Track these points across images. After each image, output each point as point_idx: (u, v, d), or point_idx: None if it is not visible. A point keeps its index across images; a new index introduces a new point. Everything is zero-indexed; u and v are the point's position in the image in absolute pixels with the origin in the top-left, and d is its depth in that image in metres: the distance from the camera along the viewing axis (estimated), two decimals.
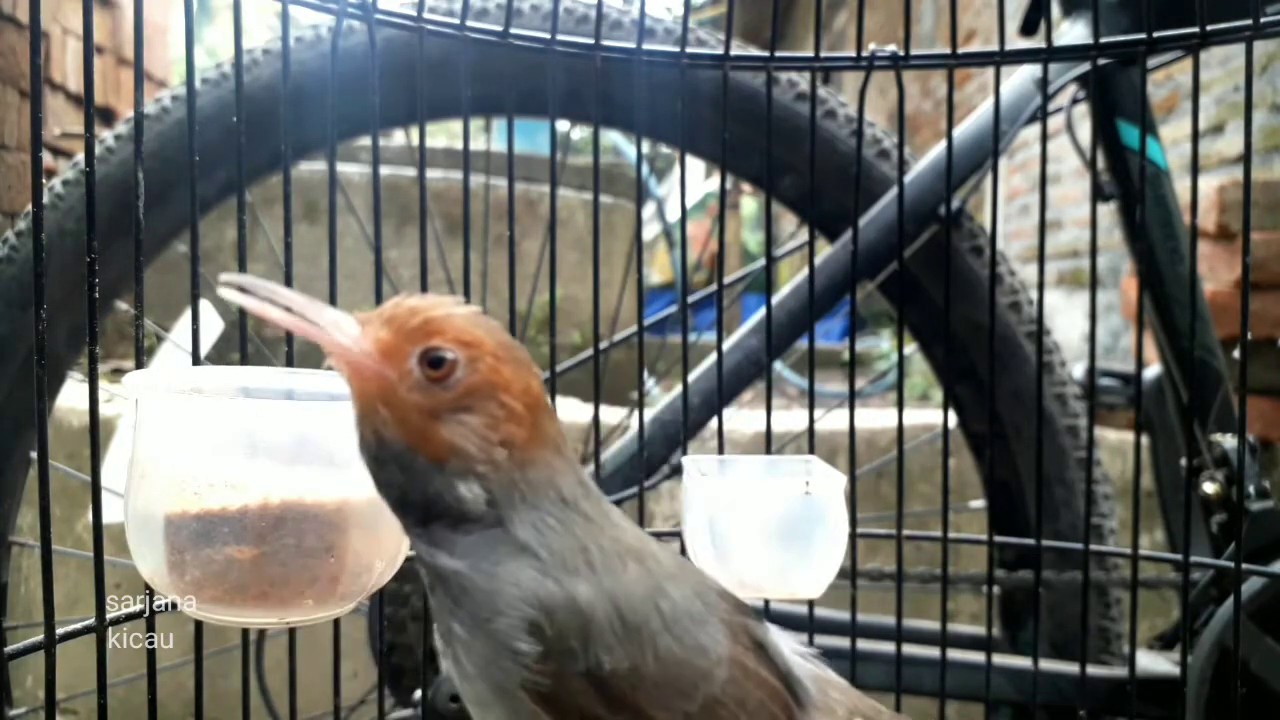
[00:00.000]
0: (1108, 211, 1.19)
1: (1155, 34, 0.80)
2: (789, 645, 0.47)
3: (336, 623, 0.67)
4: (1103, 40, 0.84)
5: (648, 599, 0.40)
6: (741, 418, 1.75)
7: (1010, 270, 1.20)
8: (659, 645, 0.40)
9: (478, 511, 0.40)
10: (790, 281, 1.11)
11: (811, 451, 0.81)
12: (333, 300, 0.72)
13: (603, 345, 0.93)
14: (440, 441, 0.40)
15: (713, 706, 0.40)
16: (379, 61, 0.72)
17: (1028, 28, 1.18)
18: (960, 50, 0.84)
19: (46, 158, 2.38)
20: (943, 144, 0.99)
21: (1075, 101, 1.18)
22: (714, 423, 0.90)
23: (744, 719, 0.41)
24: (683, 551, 0.77)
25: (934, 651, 1.00)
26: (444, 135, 4.57)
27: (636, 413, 0.89)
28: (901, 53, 0.85)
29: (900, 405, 0.90)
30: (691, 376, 0.99)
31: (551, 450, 0.42)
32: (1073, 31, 1.17)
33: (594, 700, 0.39)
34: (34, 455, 0.90)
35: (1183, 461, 1.06)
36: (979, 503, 1.36)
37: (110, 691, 0.57)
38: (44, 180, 0.62)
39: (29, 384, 1.04)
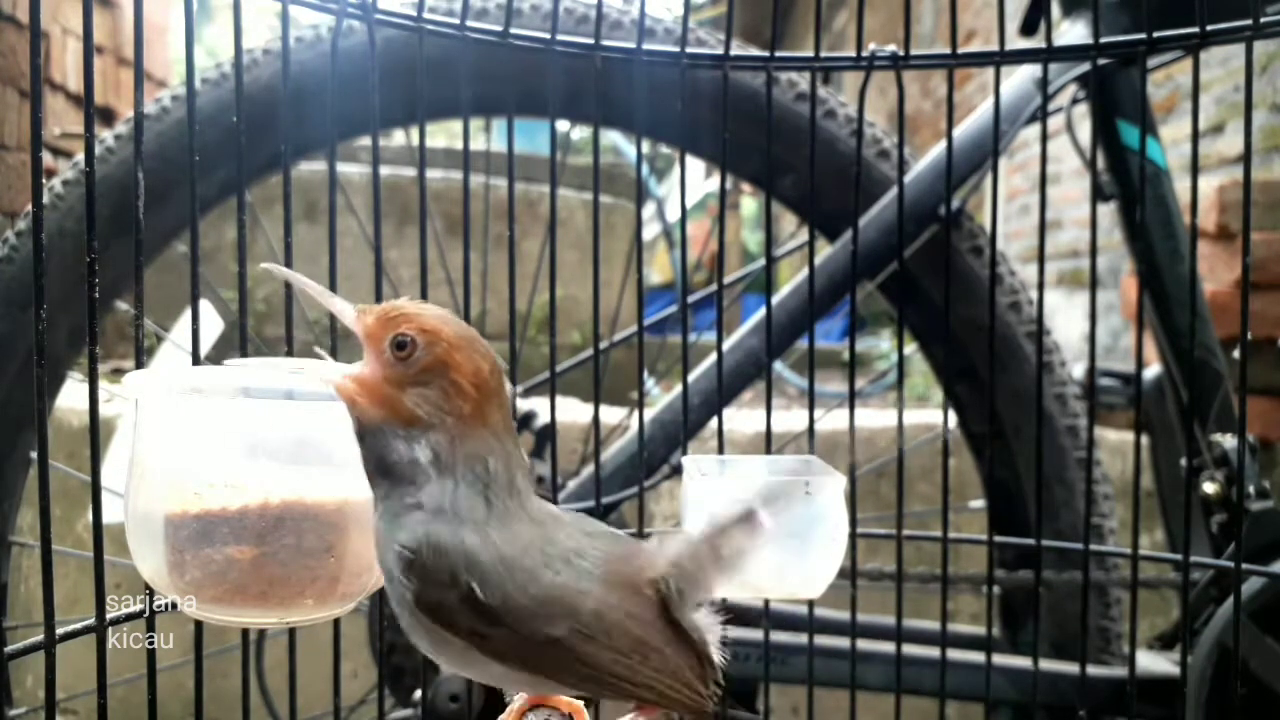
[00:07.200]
0: (1108, 211, 1.19)
1: (1155, 34, 0.80)
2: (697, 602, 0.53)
3: (336, 623, 0.67)
4: (1103, 40, 0.84)
5: (531, 545, 0.49)
6: (741, 418, 1.75)
7: (1010, 270, 1.20)
8: (530, 582, 0.48)
9: (426, 474, 0.48)
10: (790, 281, 1.11)
11: (811, 451, 0.81)
12: None
13: (603, 345, 0.93)
14: (402, 408, 0.48)
15: (576, 631, 0.48)
16: (379, 61, 0.72)
17: (1028, 28, 1.18)
18: (960, 50, 0.84)
19: (46, 158, 2.38)
20: (943, 144, 0.99)
21: (1075, 101, 1.18)
22: (714, 423, 0.90)
23: (601, 642, 0.48)
24: None
25: (934, 651, 1.00)
26: (444, 135, 4.56)
27: (636, 413, 0.89)
28: (901, 53, 0.85)
29: (900, 405, 0.90)
30: (691, 376, 0.99)
31: (490, 432, 0.49)
32: (1073, 31, 1.17)
33: (473, 618, 0.47)
34: (34, 455, 0.90)
35: (1183, 461, 1.06)
36: (979, 503, 1.36)
37: (110, 691, 0.57)
38: (44, 180, 0.62)
39: (29, 384, 1.04)
